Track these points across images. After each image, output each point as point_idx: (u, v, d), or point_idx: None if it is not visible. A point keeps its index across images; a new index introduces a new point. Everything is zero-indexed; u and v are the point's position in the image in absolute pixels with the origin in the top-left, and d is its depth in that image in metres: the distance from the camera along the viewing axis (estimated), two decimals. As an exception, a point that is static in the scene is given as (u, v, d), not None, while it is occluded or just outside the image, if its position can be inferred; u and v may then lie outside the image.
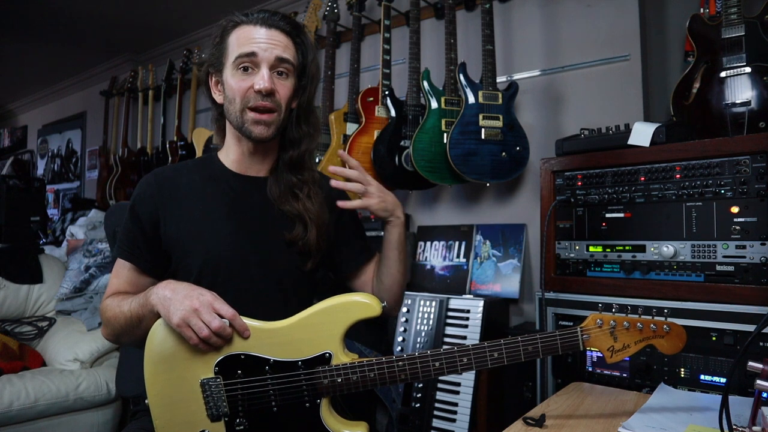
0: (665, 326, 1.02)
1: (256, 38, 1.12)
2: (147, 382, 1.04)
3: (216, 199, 1.19)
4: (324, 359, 1.03)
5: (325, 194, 1.24)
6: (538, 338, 1.02)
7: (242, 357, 1.03)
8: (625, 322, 1.02)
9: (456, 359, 1.02)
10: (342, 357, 1.03)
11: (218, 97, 1.19)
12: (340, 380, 1.02)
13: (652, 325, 1.02)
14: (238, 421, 1.02)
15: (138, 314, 1.07)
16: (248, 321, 1.04)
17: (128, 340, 1.16)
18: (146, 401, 1.04)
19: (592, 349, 1.35)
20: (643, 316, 1.03)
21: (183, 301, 0.98)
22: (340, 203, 1.18)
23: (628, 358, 1.43)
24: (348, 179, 1.20)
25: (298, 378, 1.03)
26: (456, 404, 1.79)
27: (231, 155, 1.23)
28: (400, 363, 1.02)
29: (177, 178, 1.21)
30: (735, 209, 1.34)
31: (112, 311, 1.13)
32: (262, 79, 1.10)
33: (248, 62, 1.12)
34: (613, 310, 1.04)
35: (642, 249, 1.48)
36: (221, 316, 0.99)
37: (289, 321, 1.05)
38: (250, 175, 1.23)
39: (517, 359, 1.02)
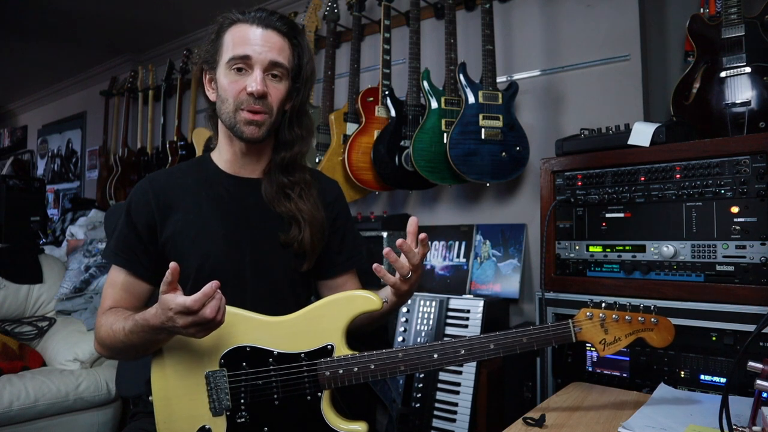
0: (653, 319, 1.07)
1: (251, 39, 1.11)
2: (153, 374, 1.05)
3: (210, 202, 1.18)
4: (326, 351, 1.05)
5: (320, 194, 1.24)
6: (532, 330, 1.06)
7: (248, 349, 1.04)
8: (613, 315, 1.07)
9: (454, 350, 1.05)
10: (344, 350, 1.06)
11: (211, 95, 1.19)
12: (341, 371, 1.04)
13: (639, 318, 1.07)
14: (239, 414, 1.03)
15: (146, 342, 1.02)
16: (254, 315, 1.06)
17: (124, 359, 1.14)
18: (149, 397, 1.05)
19: (588, 346, 1.35)
20: (630, 311, 1.09)
21: (178, 330, 0.93)
22: (376, 267, 1.04)
23: (628, 359, 1.43)
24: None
25: (300, 369, 1.04)
26: (456, 404, 1.78)
27: (224, 155, 1.22)
28: (400, 354, 1.04)
29: (171, 182, 1.20)
30: (735, 209, 1.34)
31: (106, 332, 1.08)
32: (254, 81, 1.09)
33: (242, 64, 1.11)
34: (603, 305, 1.09)
35: (642, 249, 1.48)
36: (193, 308, 0.91)
37: (294, 314, 1.08)
38: (243, 176, 1.22)
39: (512, 350, 1.05)
